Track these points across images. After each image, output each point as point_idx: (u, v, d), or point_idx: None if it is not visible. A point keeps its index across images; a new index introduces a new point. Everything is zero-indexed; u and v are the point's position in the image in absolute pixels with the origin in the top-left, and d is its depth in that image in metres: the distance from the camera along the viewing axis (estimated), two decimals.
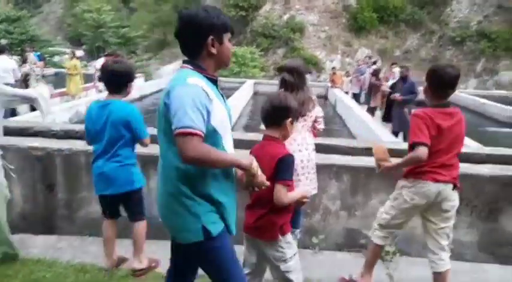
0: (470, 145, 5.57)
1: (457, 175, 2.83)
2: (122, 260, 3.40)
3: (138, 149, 3.23)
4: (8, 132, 3.96)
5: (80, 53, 14.75)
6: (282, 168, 2.21)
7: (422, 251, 3.20)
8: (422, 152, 2.64)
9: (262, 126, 2.48)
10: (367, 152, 3.69)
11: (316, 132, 3.56)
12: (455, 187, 2.81)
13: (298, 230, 3.60)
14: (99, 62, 15.95)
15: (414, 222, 3.64)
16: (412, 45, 29.15)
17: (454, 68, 2.83)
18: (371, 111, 11.57)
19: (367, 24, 28.49)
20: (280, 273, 2.35)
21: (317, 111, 3.48)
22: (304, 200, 2.38)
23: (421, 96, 8.00)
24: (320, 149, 4.08)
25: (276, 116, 2.30)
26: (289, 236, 2.36)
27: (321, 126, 3.54)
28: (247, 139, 4.09)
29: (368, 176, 3.74)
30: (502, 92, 20.66)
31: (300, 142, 3.37)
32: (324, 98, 16.29)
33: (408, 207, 2.87)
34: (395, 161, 2.90)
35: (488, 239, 3.76)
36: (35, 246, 3.72)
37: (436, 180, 2.74)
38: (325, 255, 3.78)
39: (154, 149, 3.13)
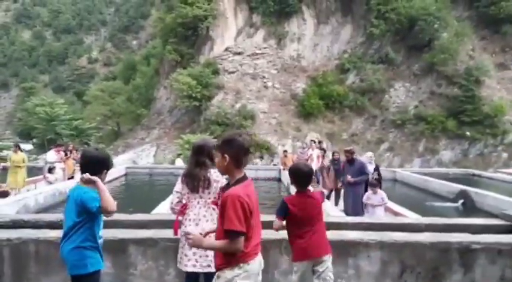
0: (410, 216, 5.90)
1: None
2: None
3: None
4: None
5: (28, 146, 14.49)
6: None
7: None
8: (241, 242, 2.52)
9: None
10: None
11: None
12: None
13: None
14: (49, 155, 15.76)
15: None
16: (358, 129, 30.90)
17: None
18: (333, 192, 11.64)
19: (315, 110, 30.18)
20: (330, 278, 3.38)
21: (218, 188, 3.60)
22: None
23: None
24: (270, 225, 4.23)
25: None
26: None
27: None
28: None
29: None
30: (443, 170, 21.93)
31: (192, 217, 3.55)
32: (277, 180, 16.65)
33: None
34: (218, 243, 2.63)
35: None
36: None
37: (256, 254, 2.69)
38: None
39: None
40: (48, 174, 13.71)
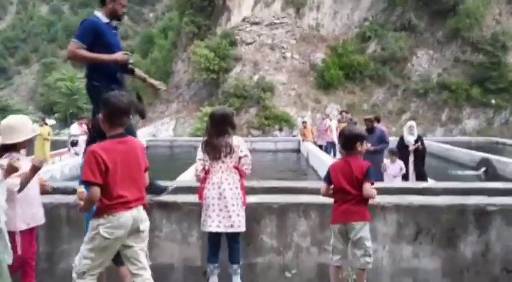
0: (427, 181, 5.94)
1: (143, 195, 3.02)
2: None
3: None
4: None
5: (51, 121, 14.81)
6: (369, 173, 3.43)
7: None
8: (95, 191, 2.72)
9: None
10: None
11: (243, 174, 3.81)
12: (144, 207, 3.02)
13: (237, 265, 3.75)
14: (73, 128, 16.21)
15: (379, 254, 3.89)
16: (379, 99, 30.51)
17: (125, 96, 2.98)
18: None
19: (334, 81, 29.81)
20: (365, 246, 3.41)
21: (239, 153, 3.76)
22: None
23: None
24: (289, 190, 4.39)
25: (350, 141, 3.54)
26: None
27: (245, 167, 3.78)
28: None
29: None
30: (465, 138, 21.65)
31: (215, 181, 3.70)
32: (297, 151, 16.77)
33: (109, 243, 2.85)
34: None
35: (450, 265, 4.00)
36: None
37: (128, 208, 2.85)
38: None
39: None
40: (72, 148, 14.20)
